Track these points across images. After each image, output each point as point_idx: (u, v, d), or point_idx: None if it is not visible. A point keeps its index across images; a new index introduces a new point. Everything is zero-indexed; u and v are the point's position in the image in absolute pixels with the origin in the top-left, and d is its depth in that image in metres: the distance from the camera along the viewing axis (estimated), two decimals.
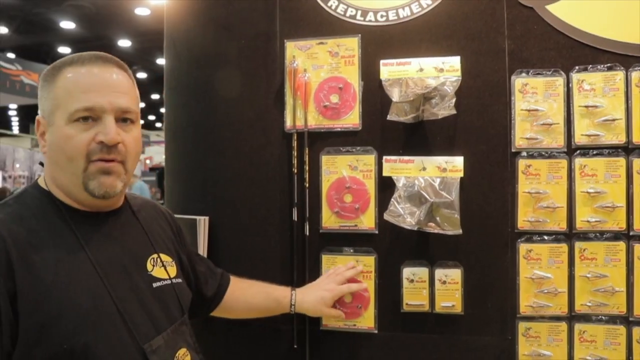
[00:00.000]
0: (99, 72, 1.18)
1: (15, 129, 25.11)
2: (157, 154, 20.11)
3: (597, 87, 1.59)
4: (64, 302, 1.07)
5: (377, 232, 1.69)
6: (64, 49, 13.46)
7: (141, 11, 10.04)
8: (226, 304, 1.63)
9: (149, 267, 1.29)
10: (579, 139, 1.59)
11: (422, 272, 1.66)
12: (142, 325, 1.18)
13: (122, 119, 1.20)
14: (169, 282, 1.32)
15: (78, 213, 1.20)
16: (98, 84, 1.17)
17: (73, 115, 1.15)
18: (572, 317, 1.60)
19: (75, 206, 1.20)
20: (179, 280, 1.37)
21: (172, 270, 1.35)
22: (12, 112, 22.72)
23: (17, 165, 18.10)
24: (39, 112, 1.22)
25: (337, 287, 1.63)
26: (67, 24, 11.24)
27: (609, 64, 1.58)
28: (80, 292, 1.10)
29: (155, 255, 1.31)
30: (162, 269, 1.32)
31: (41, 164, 1.31)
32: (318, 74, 1.73)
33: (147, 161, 19.75)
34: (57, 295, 1.07)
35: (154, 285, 1.28)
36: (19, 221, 1.11)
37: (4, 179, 16.89)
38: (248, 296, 1.65)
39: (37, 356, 1.03)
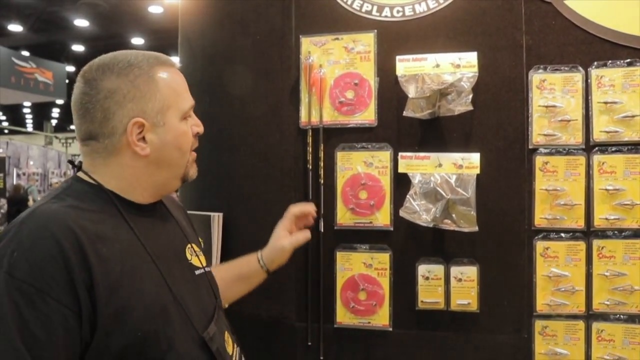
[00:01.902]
0: (180, 73, 1.28)
1: (30, 127, 25.35)
2: None
3: (617, 83, 1.57)
4: (134, 291, 1.09)
5: (392, 229, 1.68)
6: (77, 47, 13.56)
7: (154, 9, 10.11)
8: None
9: (188, 256, 1.32)
10: (598, 135, 1.58)
11: (438, 269, 1.65)
12: (195, 313, 1.21)
13: None
14: (203, 270, 1.35)
15: (130, 205, 1.21)
16: (186, 84, 1.28)
17: (186, 112, 1.24)
18: (590, 316, 1.59)
19: (130, 198, 1.21)
20: (209, 268, 1.40)
21: (203, 259, 1.38)
22: (26, 110, 22.94)
23: (31, 163, 18.27)
24: (128, 113, 1.16)
25: (286, 222, 1.61)
26: (81, 22, 11.33)
27: (628, 60, 1.56)
28: (146, 281, 1.13)
29: (189, 245, 1.35)
30: (197, 257, 1.35)
31: (71, 162, 1.29)
32: (333, 70, 1.73)
33: None
34: (127, 285, 1.09)
35: (196, 272, 1.31)
36: (81, 213, 1.12)
37: (18, 175, 17.04)
38: (220, 277, 1.57)
39: (113, 344, 1.05)
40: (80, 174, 1.22)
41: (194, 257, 1.34)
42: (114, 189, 1.19)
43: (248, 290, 1.62)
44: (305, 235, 1.60)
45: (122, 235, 1.15)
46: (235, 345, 1.35)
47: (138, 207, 1.23)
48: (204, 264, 1.36)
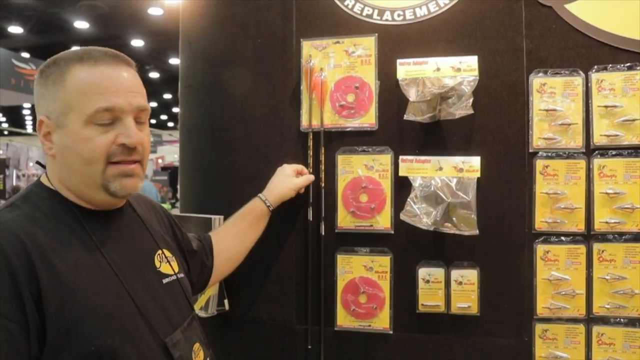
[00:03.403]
0: (113, 72, 1.16)
1: (29, 128, 25.32)
2: (169, 154, 20.23)
3: (617, 87, 1.57)
4: (88, 304, 1.06)
5: (392, 232, 1.68)
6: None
7: (154, 11, 10.09)
8: (221, 255, 1.65)
9: (157, 263, 1.29)
10: (598, 139, 1.58)
11: (438, 272, 1.65)
12: (160, 323, 1.19)
13: (136, 118, 1.18)
14: (174, 277, 1.32)
15: (89, 212, 1.18)
16: (114, 85, 1.14)
17: (92, 117, 1.12)
18: (590, 319, 1.59)
19: (85, 205, 1.18)
20: (182, 274, 1.37)
21: (175, 266, 1.35)
22: (26, 112, 22.92)
23: (31, 164, 18.25)
24: (39, 110, 1.17)
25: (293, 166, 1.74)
26: (81, 24, 11.32)
27: (628, 64, 1.57)
28: (102, 293, 1.10)
29: (159, 252, 1.31)
30: (167, 264, 1.32)
31: (39, 163, 1.27)
32: (334, 74, 1.73)
33: (160, 160, 19.85)
34: (80, 298, 1.05)
35: (164, 281, 1.28)
36: (34, 223, 1.08)
37: (17, 177, 17.02)
38: (230, 232, 1.69)
39: (65, 359, 1.02)
40: (42, 178, 1.20)
41: (164, 263, 1.30)
42: (67, 194, 1.17)
43: (256, 237, 1.71)
44: (311, 177, 1.72)
45: (79, 245, 1.11)
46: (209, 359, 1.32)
47: (99, 214, 1.19)
48: (176, 270, 1.33)
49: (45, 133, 1.16)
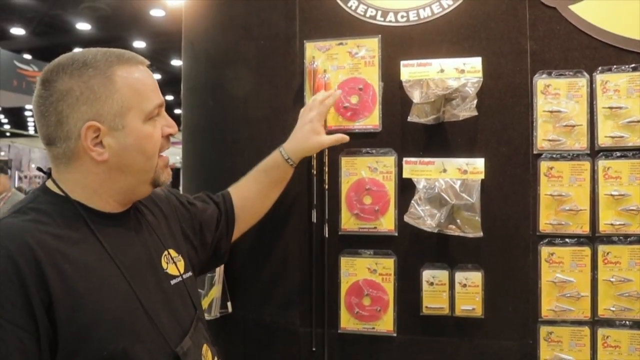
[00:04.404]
0: (147, 70, 1.23)
1: (31, 130, 25.37)
2: (171, 155, 20.15)
3: (621, 88, 1.56)
4: (98, 308, 1.05)
5: (396, 234, 1.68)
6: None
7: (156, 12, 10.12)
8: (242, 212, 1.63)
9: (164, 264, 1.28)
10: (603, 140, 1.57)
11: (442, 275, 1.64)
12: (170, 326, 1.18)
13: None
14: (180, 278, 1.31)
15: (97, 215, 1.17)
16: (154, 82, 1.23)
17: (151, 113, 1.18)
18: (595, 322, 1.58)
19: (97, 208, 1.17)
20: (189, 274, 1.36)
21: (181, 266, 1.34)
22: (28, 113, 22.97)
23: (33, 166, 18.28)
24: (77, 117, 1.12)
25: (322, 116, 1.64)
26: (83, 26, 11.35)
27: (633, 65, 1.56)
28: (112, 297, 1.09)
29: (166, 252, 1.30)
30: (174, 265, 1.31)
31: (40, 169, 1.25)
32: (337, 75, 1.72)
33: None
34: (91, 303, 1.05)
35: (172, 282, 1.27)
36: (42, 228, 1.07)
37: (19, 178, 17.06)
38: (253, 189, 1.65)
39: None
40: (48, 183, 1.18)
41: (171, 264, 1.30)
42: (80, 198, 1.15)
43: (280, 192, 1.67)
44: (343, 138, 1.64)
45: (88, 249, 1.10)
46: (216, 358, 1.32)
47: (108, 217, 1.18)
48: (182, 271, 1.32)
49: (94, 139, 1.13)
